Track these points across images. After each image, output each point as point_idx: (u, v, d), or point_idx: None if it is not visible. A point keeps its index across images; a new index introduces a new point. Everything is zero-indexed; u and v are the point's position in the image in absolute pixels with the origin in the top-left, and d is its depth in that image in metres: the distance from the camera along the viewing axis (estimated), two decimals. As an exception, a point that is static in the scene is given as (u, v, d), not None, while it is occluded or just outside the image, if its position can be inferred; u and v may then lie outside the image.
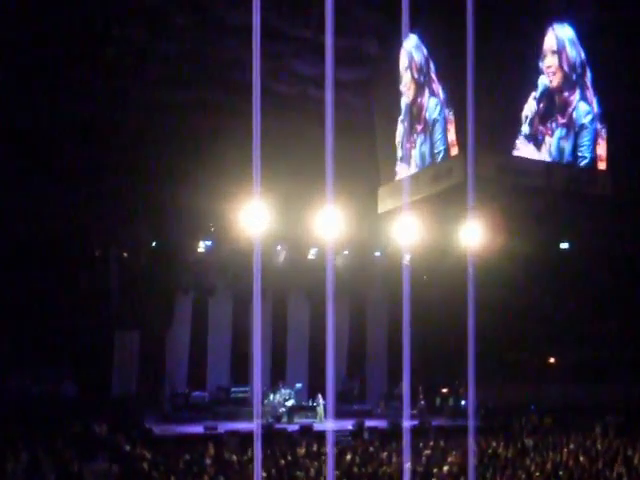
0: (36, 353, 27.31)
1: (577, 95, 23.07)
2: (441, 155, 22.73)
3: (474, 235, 21.85)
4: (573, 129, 22.96)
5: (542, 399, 31.48)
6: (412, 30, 22.34)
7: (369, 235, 29.40)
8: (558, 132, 22.68)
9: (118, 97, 24.09)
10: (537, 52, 22.65)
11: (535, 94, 22.46)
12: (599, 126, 23.29)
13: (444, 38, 21.75)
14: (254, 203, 19.69)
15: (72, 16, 20.92)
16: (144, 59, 23.34)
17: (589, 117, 23.17)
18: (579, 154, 23.01)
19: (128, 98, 24.25)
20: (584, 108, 23.15)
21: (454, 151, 22.10)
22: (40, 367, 27.48)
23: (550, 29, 22.89)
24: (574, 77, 23.13)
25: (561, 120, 22.89)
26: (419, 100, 23.50)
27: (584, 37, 23.13)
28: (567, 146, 22.82)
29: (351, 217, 24.70)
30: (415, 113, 23.68)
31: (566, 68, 22.97)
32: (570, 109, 22.99)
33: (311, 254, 30.35)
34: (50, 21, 20.88)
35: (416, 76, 23.55)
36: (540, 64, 22.72)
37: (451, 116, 22.19)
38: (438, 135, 22.78)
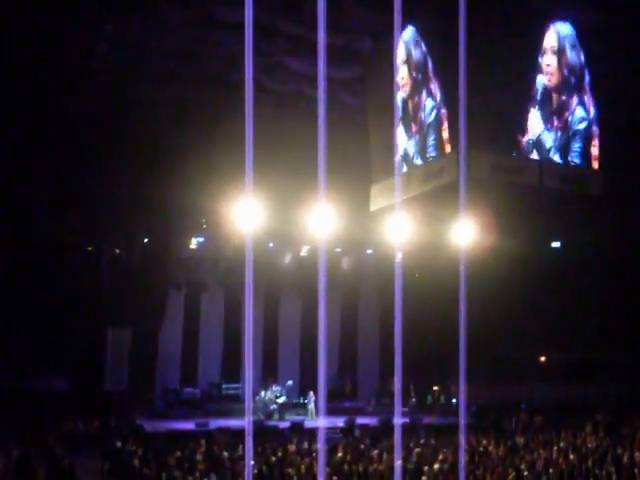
0: (28, 350, 27.24)
1: (575, 100, 23.00)
2: (433, 158, 22.68)
3: (466, 233, 21.87)
4: (567, 134, 22.92)
5: (533, 397, 31.56)
6: (410, 23, 22.27)
7: (362, 233, 29.42)
8: (552, 135, 22.64)
9: (110, 94, 24.04)
10: (537, 48, 22.49)
11: (536, 101, 22.36)
12: (594, 127, 23.23)
13: (441, 34, 21.63)
14: (247, 200, 19.66)
15: (65, 11, 20.85)
16: (137, 55, 23.28)
17: (584, 124, 23.09)
18: (569, 159, 22.99)
19: (120, 95, 24.20)
20: (580, 114, 23.06)
21: (448, 148, 22.05)
22: (32, 364, 27.40)
23: (552, 26, 22.75)
24: (573, 81, 23.02)
25: (557, 123, 22.83)
26: (416, 98, 23.38)
27: (583, 38, 23.05)
28: (559, 150, 22.80)
29: (344, 215, 24.71)
30: (411, 112, 23.56)
31: (565, 71, 22.86)
32: (567, 113, 22.91)
33: (304, 251, 30.37)
34: (43, 15, 20.81)
35: (414, 74, 23.41)
36: (540, 60, 22.57)
37: (447, 114, 22.09)
38: (431, 141, 22.71)
